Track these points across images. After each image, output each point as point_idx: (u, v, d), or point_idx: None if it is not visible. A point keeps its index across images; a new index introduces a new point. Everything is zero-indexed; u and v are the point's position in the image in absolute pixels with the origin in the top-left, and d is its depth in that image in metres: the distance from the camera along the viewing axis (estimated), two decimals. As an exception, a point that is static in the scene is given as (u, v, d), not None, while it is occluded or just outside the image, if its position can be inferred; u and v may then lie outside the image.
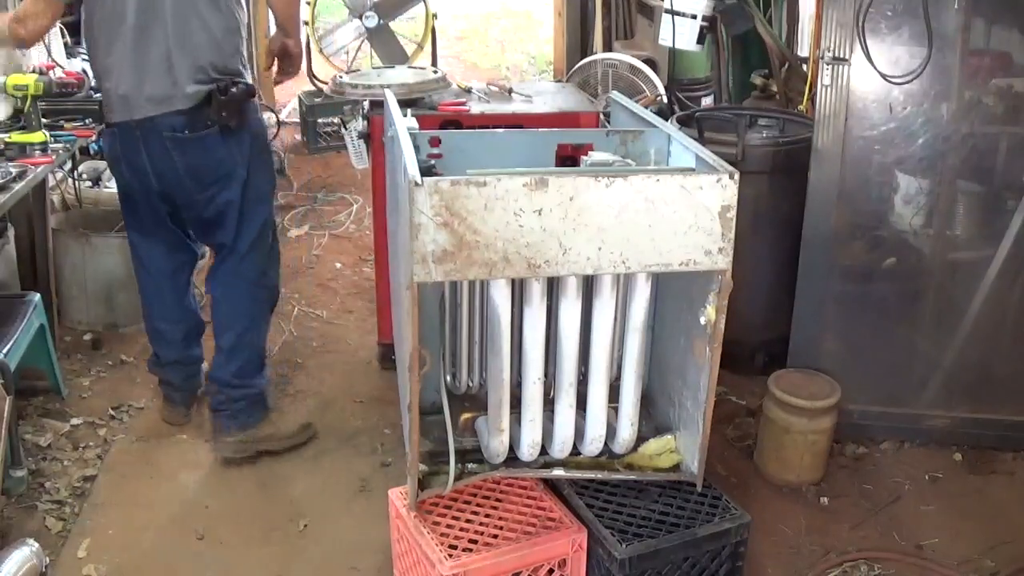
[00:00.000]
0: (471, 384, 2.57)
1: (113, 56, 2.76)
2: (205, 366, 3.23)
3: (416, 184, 1.93)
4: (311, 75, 5.88)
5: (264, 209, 3.01)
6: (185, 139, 2.79)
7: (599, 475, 2.37)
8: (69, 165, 3.92)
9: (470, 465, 2.35)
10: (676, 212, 2.04)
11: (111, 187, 4.27)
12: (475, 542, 2.20)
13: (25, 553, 2.45)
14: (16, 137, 3.13)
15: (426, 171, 2.04)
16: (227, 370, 3.01)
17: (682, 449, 2.40)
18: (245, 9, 2.87)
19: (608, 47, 5.62)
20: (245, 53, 2.87)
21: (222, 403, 3.02)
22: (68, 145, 3.33)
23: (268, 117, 6.31)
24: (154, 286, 3.11)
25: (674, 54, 4.66)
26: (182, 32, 2.71)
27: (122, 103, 2.78)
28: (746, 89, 4.74)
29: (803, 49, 4.63)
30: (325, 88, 4.85)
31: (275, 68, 3.13)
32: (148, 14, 2.70)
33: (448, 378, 2.55)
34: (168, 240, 3.04)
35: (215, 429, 3.06)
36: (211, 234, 3.02)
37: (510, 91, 3.58)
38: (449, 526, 2.25)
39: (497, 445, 2.30)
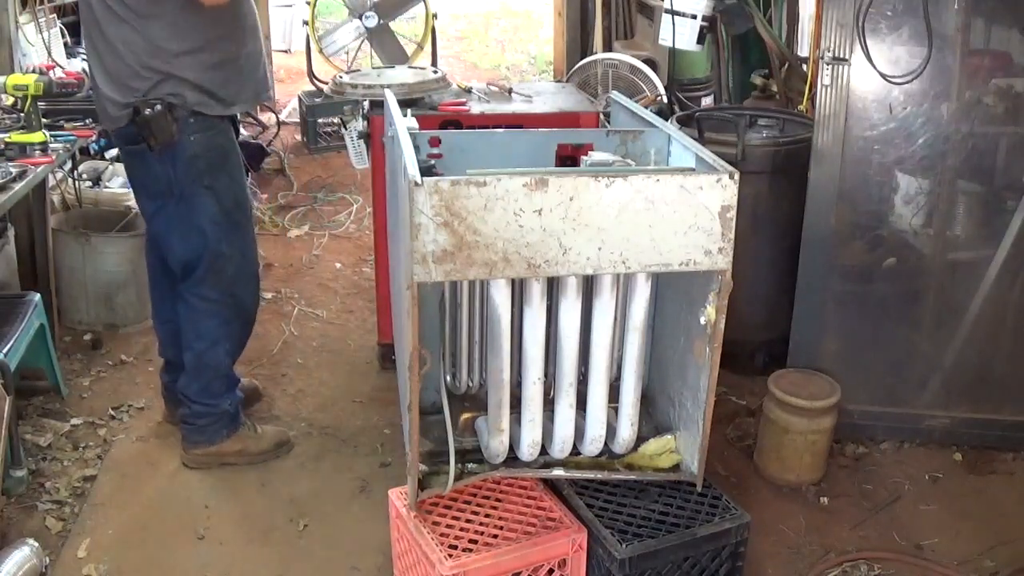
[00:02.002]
0: (471, 384, 2.57)
1: None
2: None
3: (416, 184, 1.93)
4: (311, 75, 5.89)
5: (201, 243, 2.80)
6: (126, 150, 2.83)
7: (599, 475, 2.36)
8: (69, 165, 3.92)
9: (470, 465, 2.35)
10: (676, 212, 2.04)
11: (111, 187, 4.28)
12: (475, 542, 2.19)
13: (25, 553, 2.46)
14: (16, 137, 3.13)
15: (426, 171, 2.04)
16: (191, 388, 2.96)
17: (682, 449, 2.40)
18: (175, 18, 2.57)
19: (608, 47, 5.62)
20: (187, 71, 2.62)
21: (187, 416, 3.00)
22: (68, 145, 3.33)
23: (268, 117, 6.35)
24: (152, 279, 3.11)
25: (674, 54, 4.66)
26: (95, 47, 2.67)
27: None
28: (746, 89, 4.75)
29: (803, 49, 4.63)
30: (325, 88, 4.86)
31: None
32: (85, 25, 2.74)
33: (448, 378, 2.55)
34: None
35: (183, 438, 3.04)
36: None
37: (510, 91, 3.58)
38: (449, 526, 2.25)
39: (497, 445, 2.30)
